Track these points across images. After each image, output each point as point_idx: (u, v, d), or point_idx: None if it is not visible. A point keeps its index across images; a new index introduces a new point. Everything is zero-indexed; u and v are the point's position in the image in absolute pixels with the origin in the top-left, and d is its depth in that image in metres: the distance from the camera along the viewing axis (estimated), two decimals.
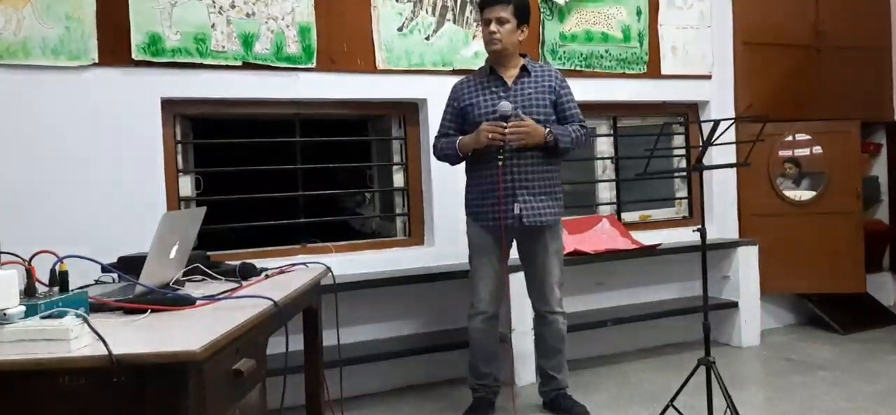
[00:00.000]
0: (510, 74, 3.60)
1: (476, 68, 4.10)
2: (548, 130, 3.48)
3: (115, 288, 2.22)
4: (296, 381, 3.06)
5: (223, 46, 3.91)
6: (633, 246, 4.77)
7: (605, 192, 5.24)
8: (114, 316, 1.90)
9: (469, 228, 3.70)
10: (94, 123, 3.67)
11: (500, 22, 3.52)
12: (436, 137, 3.75)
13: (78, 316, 1.59)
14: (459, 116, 3.64)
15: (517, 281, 3.96)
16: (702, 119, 5.09)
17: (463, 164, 3.70)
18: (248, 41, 3.97)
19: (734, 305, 5.01)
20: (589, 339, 4.70)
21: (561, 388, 3.78)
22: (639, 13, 5.01)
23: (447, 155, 3.66)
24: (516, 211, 3.50)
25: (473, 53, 4.46)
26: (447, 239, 4.38)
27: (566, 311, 3.76)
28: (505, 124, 3.41)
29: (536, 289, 3.72)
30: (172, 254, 2.29)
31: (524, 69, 3.61)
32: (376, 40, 4.28)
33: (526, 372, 4.20)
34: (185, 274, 2.45)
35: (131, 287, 2.11)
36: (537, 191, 3.54)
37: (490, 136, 3.41)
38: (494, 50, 3.56)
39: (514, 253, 3.76)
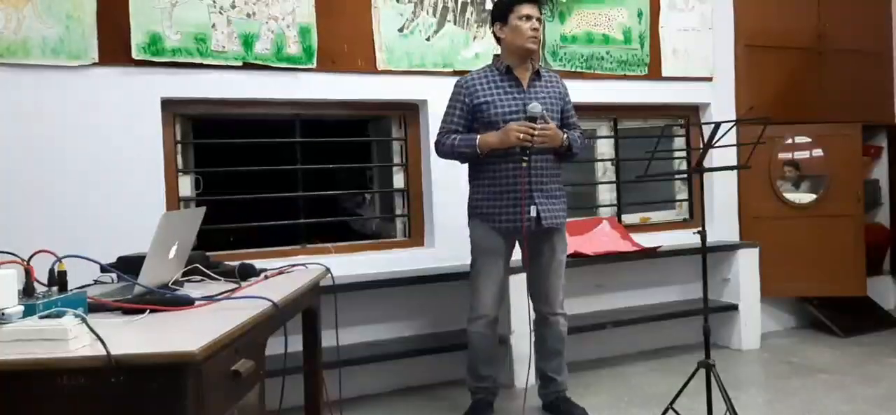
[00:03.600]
0: (524, 76, 3.59)
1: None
2: (565, 134, 3.50)
3: (113, 288, 2.21)
4: (295, 382, 3.06)
5: (223, 46, 3.91)
6: (634, 248, 4.77)
7: (606, 194, 5.24)
8: (112, 316, 1.90)
9: (475, 229, 3.64)
10: (94, 123, 3.67)
11: (540, 21, 3.54)
12: (440, 133, 3.63)
13: (76, 316, 1.59)
14: (470, 114, 3.56)
15: (517, 283, 3.95)
16: (703, 121, 5.10)
17: (466, 164, 3.68)
18: (248, 41, 3.96)
19: (734, 307, 5.01)
20: (589, 341, 4.70)
21: (560, 390, 3.78)
22: (640, 15, 5.01)
23: (461, 152, 3.55)
24: (533, 213, 3.49)
25: (474, 55, 4.46)
26: (447, 240, 4.38)
27: (567, 313, 3.75)
28: (534, 125, 3.40)
29: (540, 290, 3.70)
30: (171, 254, 2.29)
31: (537, 73, 3.61)
32: (377, 41, 4.27)
33: (525, 374, 4.19)
34: (184, 274, 2.44)
35: (130, 287, 2.10)
36: (549, 193, 3.55)
37: (520, 136, 3.37)
38: (532, 48, 3.53)
39: (516, 254, 3.75)
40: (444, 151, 3.62)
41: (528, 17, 3.50)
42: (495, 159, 3.50)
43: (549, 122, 3.44)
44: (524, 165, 3.42)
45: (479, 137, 3.49)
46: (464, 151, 3.54)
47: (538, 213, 3.49)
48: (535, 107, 3.41)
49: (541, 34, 3.55)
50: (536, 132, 3.37)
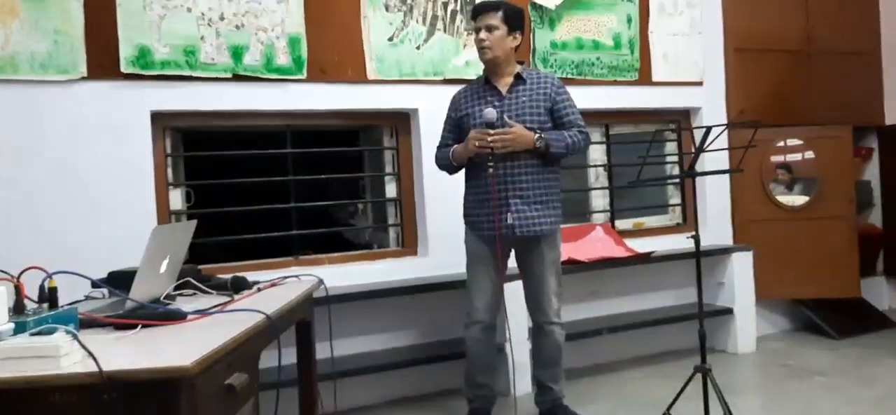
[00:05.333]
0: (505, 83, 3.58)
1: (467, 77, 4.10)
2: (537, 135, 3.46)
3: (105, 303, 2.20)
4: (289, 395, 3.03)
5: (213, 58, 3.89)
6: (628, 254, 4.77)
7: (599, 200, 5.24)
8: (104, 332, 1.88)
9: (467, 236, 3.67)
10: (84, 138, 3.64)
11: (490, 29, 3.50)
12: (437, 147, 3.76)
13: (68, 333, 1.58)
14: (457, 127, 3.65)
15: (513, 291, 3.93)
16: (694, 126, 5.11)
17: (462, 173, 3.68)
18: (237, 53, 3.94)
19: (729, 311, 5.00)
20: (585, 347, 4.68)
21: (557, 399, 3.75)
22: (629, 20, 5.02)
23: (444, 166, 3.69)
24: (509, 220, 3.47)
25: (465, 62, 4.45)
26: (440, 249, 4.36)
27: (564, 321, 3.72)
28: (490, 131, 3.39)
29: (534, 299, 3.68)
30: (163, 268, 2.27)
31: (519, 77, 3.59)
32: (367, 50, 4.26)
33: (522, 382, 4.17)
34: (175, 288, 2.43)
35: (121, 302, 2.09)
36: (531, 199, 3.51)
37: (476, 144, 3.41)
38: (486, 58, 3.54)
39: (512, 262, 3.72)
40: (437, 165, 3.76)
41: (477, 31, 3.55)
42: (476, 168, 3.54)
43: (512, 125, 3.43)
44: (491, 171, 3.42)
45: (452, 149, 3.59)
46: (445, 165, 3.68)
47: (513, 221, 3.48)
48: (490, 113, 3.42)
49: (497, 42, 3.49)
50: (490, 138, 3.37)
